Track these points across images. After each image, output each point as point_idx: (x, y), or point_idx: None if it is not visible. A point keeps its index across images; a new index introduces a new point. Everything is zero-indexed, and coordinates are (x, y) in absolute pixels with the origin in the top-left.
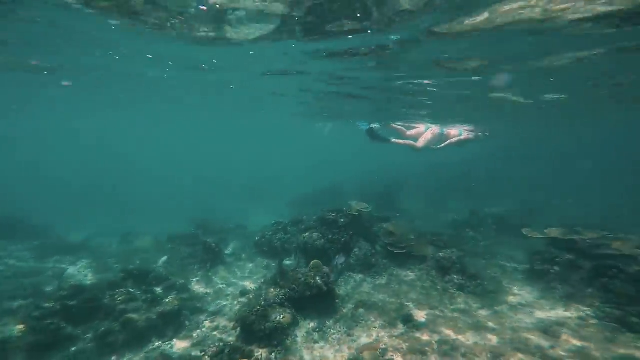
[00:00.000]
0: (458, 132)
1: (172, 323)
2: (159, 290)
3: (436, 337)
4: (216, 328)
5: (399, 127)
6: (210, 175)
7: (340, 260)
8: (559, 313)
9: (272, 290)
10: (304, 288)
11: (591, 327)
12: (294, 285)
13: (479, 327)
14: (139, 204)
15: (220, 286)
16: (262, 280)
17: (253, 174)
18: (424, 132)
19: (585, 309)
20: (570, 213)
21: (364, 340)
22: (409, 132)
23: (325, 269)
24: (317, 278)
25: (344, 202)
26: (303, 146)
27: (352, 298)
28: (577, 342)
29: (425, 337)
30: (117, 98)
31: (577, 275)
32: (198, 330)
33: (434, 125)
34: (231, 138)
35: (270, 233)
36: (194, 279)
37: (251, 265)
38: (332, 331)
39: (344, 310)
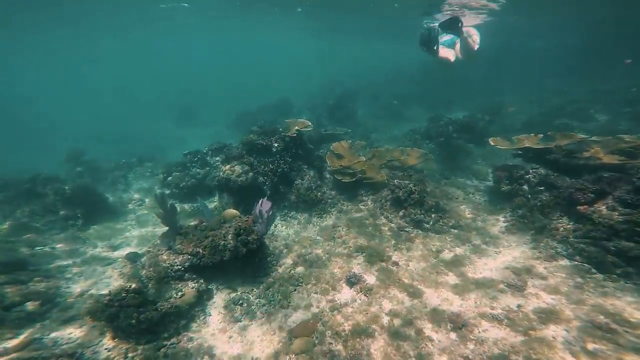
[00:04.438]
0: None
1: None
2: None
3: (387, 306)
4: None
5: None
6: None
7: (265, 206)
8: (527, 253)
9: (165, 256)
10: (212, 252)
11: (561, 270)
12: (198, 250)
13: (437, 285)
14: None
15: (94, 251)
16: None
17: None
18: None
19: (556, 245)
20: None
21: (300, 316)
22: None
23: (244, 221)
24: (229, 237)
25: (292, 117)
26: (242, 58)
27: (292, 250)
28: (545, 297)
29: (373, 308)
30: None
31: (550, 197)
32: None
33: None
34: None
35: (178, 169)
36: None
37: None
38: (261, 301)
39: (280, 270)
